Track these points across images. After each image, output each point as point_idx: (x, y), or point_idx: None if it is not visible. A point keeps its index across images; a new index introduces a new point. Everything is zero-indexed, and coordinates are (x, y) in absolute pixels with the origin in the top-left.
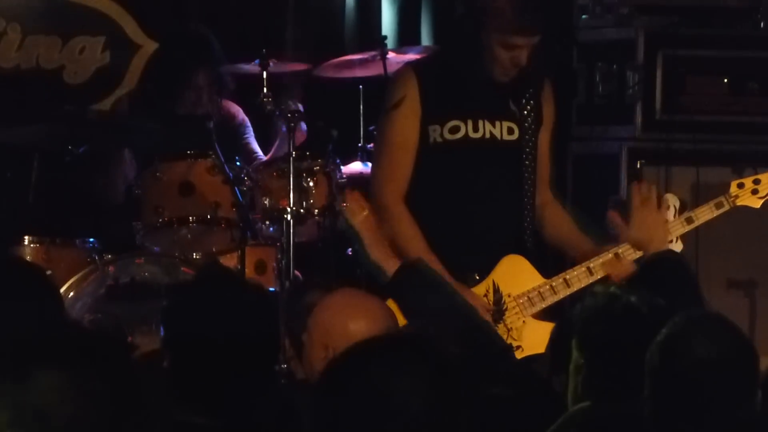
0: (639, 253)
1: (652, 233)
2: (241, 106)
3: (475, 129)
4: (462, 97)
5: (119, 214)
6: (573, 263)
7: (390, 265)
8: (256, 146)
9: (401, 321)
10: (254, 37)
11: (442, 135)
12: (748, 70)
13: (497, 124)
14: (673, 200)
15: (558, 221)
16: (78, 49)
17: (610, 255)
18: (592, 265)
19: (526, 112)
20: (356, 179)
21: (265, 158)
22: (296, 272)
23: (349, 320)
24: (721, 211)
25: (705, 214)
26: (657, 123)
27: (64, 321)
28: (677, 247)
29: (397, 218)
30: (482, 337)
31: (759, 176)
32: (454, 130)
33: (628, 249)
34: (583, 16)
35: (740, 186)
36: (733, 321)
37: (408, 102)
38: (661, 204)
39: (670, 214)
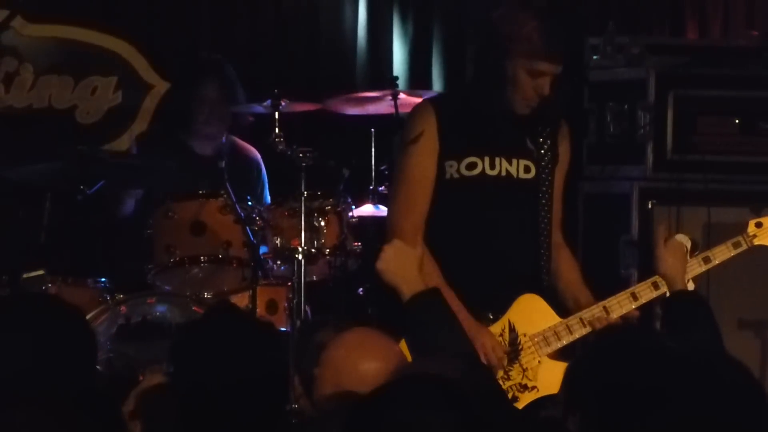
0: (656, 293)
1: (676, 270)
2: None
3: (492, 166)
4: (480, 133)
5: (131, 254)
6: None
7: (408, 288)
8: (266, 190)
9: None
10: (266, 77)
11: (458, 171)
12: (758, 110)
13: (514, 161)
14: (684, 240)
15: (563, 266)
16: (90, 89)
17: (600, 308)
18: (608, 304)
19: (543, 151)
20: (368, 221)
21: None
22: (307, 309)
23: (361, 360)
24: (738, 250)
25: (723, 253)
26: (668, 163)
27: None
28: (690, 287)
29: None
30: (481, 381)
31: None
32: (471, 166)
33: (621, 300)
34: (595, 57)
35: (758, 225)
36: (745, 362)
37: (426, 137)
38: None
39: None
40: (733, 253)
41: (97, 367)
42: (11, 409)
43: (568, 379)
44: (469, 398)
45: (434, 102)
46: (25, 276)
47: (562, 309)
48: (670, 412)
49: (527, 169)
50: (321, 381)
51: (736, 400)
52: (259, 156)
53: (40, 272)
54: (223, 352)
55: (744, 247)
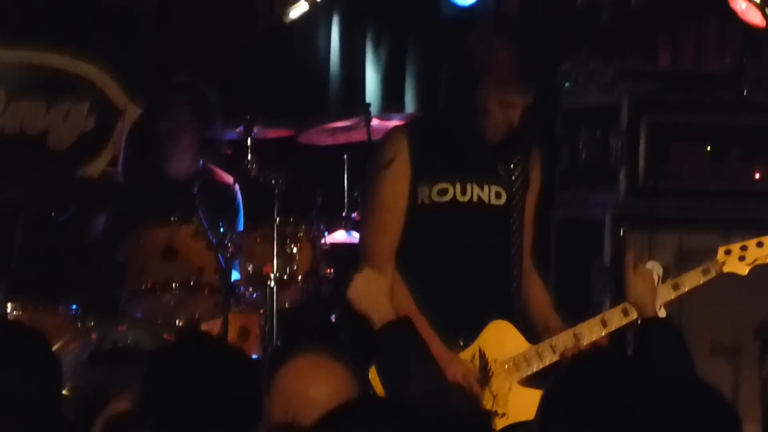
0: (626, 320)
1: (645, 297)
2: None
3: (463, 192)
4: (451, 159)
5: (102, 279)
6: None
7: (378, 316)
8: (241, 218)
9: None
10: (239, 103)
11: (430, 197)
12: (731, 137)
13: (485, 187)
14: (656, 268)
15: (534, 291)
16: (63, 114)
17: (570, 334)
18: (577, 330)
19: (514, 177)
20: (340, 247)
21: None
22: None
23: (310, 386)
24: (708, 277)
25: (692, 280)
26: (640, 189)
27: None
28: (661, 313)
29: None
30: (450, 408)
31: (746, 243)
32: (442, 192)
33: (591, 326)
34: (567, 83)
35: (727, 252)
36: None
37: (397, 163)
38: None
39: (654, 281)
40: (702, 279)
41: (66, 393)
42: None
43: (544, 404)
44: (423, 423)
45: (406, 128)
46: None
47: (533, 334)
48: None
49: (498, 195)
50: (271, 408)
51: (708, 424)
52: (235, 184)
53: None
54: (194, 378)
55: (713, 274)
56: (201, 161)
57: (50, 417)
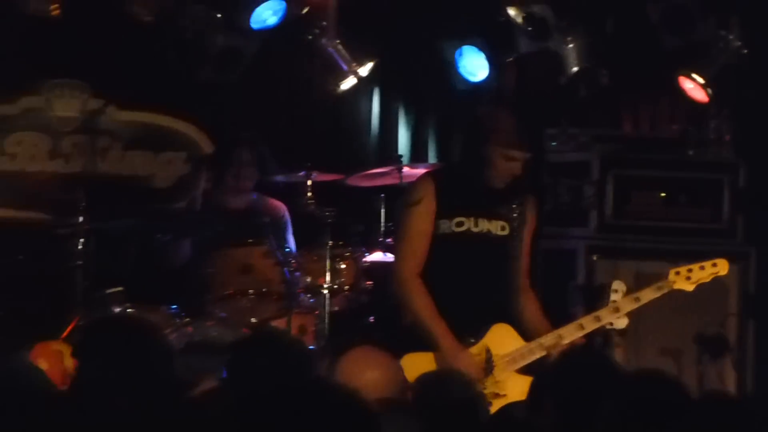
0: (598, 325)
1: None
2: (286, 206)
3: (476, 225)
4: (467, 199)
5: (194, 287)
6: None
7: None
8: (291, 239)
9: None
10: (301, 154)
11: (450, 228)
12: (679, 187)
13: (493, 222)
14: (620, 286)
15: (528, 304)
16: (166, 161)
17: (555, 335)
18: (562, 332)
19: (515, 215)
20: (376, 264)
21: (294, 249)
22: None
23: (366, 372)
24: (661, 292)
25: (649, 294)
26: (608, 226)
27: None
28: (623, 321)
29: (412, 290)
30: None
31: (691, 266)
32: (460, 224)
33: (571, 329)
34: (552, 143)
35: (677, 273)
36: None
37: (425, 201)
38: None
39: (619, 296)
40: (657, 294)
41: None
42: None
43: (537, 387)
44: None
45: (432, 174)
46: (107, 291)
47: (527, 335)
48: (613, 408)
49: (503, 228)
50: None
51: (661, 400)
52: (285, 209)
53: (120, 289)
54: (268, 363)
55: (665, 290)
56: (255, 194)
57: (167, 374)
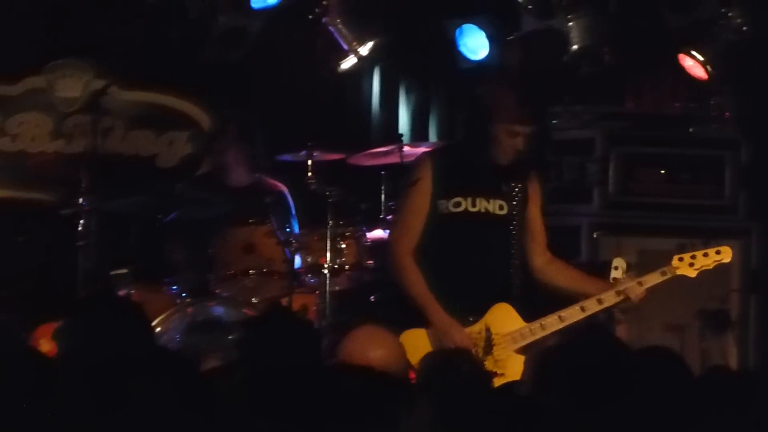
0: (600, 307)
1: None
2: (286, 186)
3: (473, 204)
4: (465, 179)
5: (196, 267)
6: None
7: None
8: (294, 220)
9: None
10: (302, 133)
11: (447, 208)
12: (681, 164)
13: (491, 201)
14: (620, 263)
15: (566, 271)
16: (168, 141)
17: (556, 316)
18: (563, 314)
19: (514, 193)
20: (378, 242)
21: (297, 230)
22: None
23: (369, 350)
24: (665, 278)
25: (653, 279)
26: (610, 203)
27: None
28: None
29: (405, 268)
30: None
31: (694, 253)
32: (457, 204)
33: (572, 311)
34: (555, 121)
35: (680, 260)
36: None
37: (423, 182)
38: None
39: (619, 273)
40: (660, 279)
41: None
42: None
43: (544, 365)
44: None
45: (431, 155)
46: (112, 273)
47: (533, 314)
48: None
49: (501, 207)
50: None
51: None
52: (285, 189)
53: (125, 270)
54: (276, 341)
55: (669, 276)
56: (255, 174)
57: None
